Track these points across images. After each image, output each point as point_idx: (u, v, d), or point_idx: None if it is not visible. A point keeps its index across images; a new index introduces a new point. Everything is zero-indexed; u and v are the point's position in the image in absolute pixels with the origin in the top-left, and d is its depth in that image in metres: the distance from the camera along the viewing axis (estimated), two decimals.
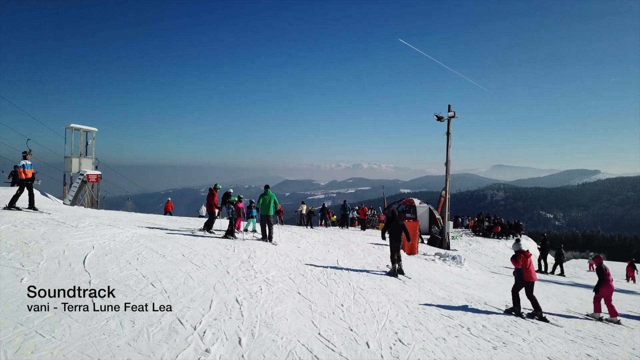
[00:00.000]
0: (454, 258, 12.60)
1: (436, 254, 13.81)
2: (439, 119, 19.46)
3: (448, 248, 19.17)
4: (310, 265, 8.74)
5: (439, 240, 19.29)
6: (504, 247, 22.37)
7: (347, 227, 22.96)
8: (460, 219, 28.49)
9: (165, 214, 27.20)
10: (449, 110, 19.41)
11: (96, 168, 17.70)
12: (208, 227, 11.10)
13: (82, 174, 16.41)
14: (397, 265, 9.20)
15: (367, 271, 9.14)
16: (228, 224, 10.70)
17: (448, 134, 19.53)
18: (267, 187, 10.90)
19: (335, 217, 29.55)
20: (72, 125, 16.75)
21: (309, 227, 19.36)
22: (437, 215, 24.55)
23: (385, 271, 9.29)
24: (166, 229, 11.01)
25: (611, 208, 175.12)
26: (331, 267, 8.84)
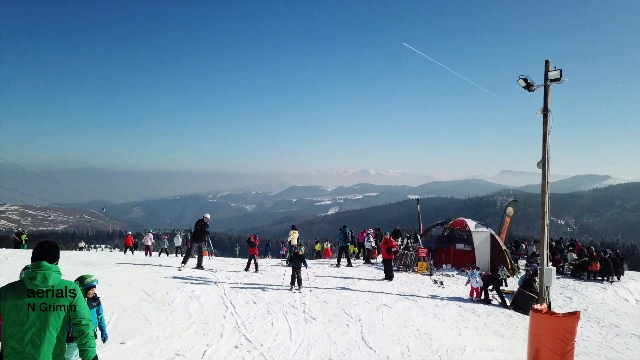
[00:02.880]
0: None
1: None
2: (528, 86, 10.75)
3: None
4: None
5: (534, 301, 10.72)
6: (615, 298, 13.74)
7: (350, 265, 14.70)
8: (523, 245, 19.46)
9: (126, 249, 20.02)
10: (547, 70, 10.68)
11: None
12: None
13: None
14: None
15: None
16: None
17: (546, 111, 10.77)
18: (40, 248, 2.56)
19: (326, 243, 23.22)
20: None
21: (295, 287, 9.61)
22: (503, 246, 15.67)
23: None
24: None
25: (624, 214, 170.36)
26: None
